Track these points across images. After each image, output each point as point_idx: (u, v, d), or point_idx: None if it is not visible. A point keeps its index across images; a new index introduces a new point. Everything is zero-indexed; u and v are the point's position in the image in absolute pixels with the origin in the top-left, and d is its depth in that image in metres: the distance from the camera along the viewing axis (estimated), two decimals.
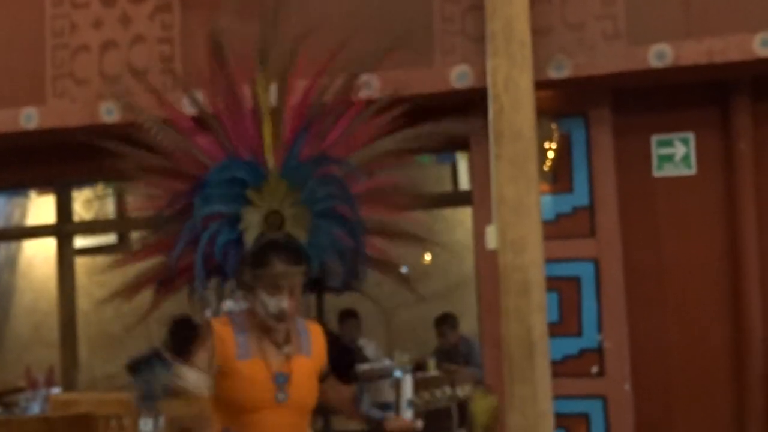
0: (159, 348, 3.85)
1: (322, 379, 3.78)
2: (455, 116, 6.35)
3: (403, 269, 4.09)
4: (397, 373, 8.08)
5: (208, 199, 3.89)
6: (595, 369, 6.25)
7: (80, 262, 9.05)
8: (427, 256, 9.93)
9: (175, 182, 4.04)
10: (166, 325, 3.94)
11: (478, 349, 7.55)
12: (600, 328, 6.26)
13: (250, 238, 3.82)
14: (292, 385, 3.62)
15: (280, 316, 3.55)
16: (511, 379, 5.63)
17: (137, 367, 3.99)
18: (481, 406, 4.21)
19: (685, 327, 6.24)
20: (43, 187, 8.24)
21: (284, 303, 3.57)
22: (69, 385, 7.95)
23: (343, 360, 4.02)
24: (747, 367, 6.11)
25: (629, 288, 6.31)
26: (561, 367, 6.05)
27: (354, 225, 4.01)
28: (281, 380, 3.60)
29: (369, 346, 8.85)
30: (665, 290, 6.30)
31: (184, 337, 3.75)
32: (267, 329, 3.62)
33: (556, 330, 6.02)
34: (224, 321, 3.69)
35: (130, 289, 4.17)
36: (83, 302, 9.15)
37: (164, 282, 4.01)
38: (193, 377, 3.43)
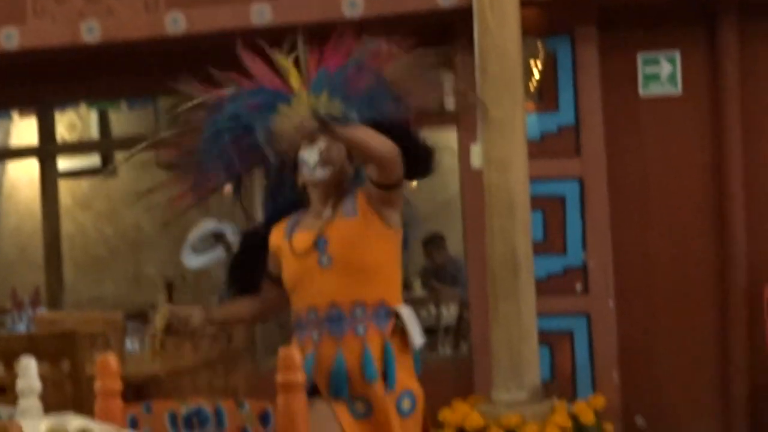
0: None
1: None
2: (441, 36, 6.37)
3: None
4: None
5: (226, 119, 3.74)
6: (579, 287, 6.30)
7: (64, 185, 9.08)
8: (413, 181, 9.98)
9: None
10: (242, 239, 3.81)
11: (463, 266, 7.59)
12: (584, 247, 6.30)
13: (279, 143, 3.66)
14: (333, 246, 3.54)
15: (319, 164, 3.54)
16: (496, 296, 5.69)
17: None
18: None
19: (669, 244, 6.30)
20: (25, 108, 8.20)
21: (317, 150, 3.53)
22: (55, 306, 7.96)
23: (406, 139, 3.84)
24: (730, 282, 6.18)
25: (614, 207, 6.34)
26: (545, 285, 6.08)
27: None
28: (321, 244, 3.54)
29: None
30: (650, 209, 6.34)
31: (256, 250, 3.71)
32: (317, 200, 3.61)
33: (540, 248, 6.06)
34: (280, 225, 3.67)
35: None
36: (68, 225, 9.20)
37: (197, 185, 3.85)
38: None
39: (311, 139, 3.53)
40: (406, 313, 3.55)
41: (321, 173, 3.53)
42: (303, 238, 3.55)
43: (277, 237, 3.62)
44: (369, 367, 3.43)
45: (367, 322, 3.49)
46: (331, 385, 3.42)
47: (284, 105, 3.75)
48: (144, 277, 10.08)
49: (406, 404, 3.46)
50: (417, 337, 3.50)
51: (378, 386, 3.43)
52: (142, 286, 9.99)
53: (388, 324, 3.51)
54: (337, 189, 3.59)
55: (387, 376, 3.43)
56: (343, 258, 3.51)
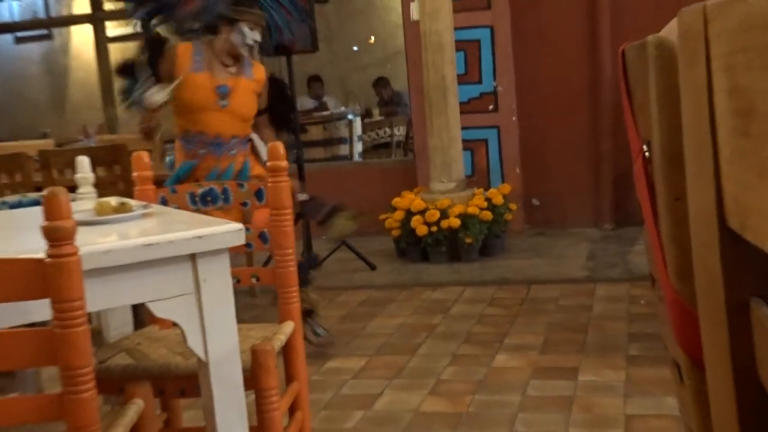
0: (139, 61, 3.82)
1: (259, 110, 3.91)
2: None
3: None
4: (350, 116, 8.15)
5: None
6: (491, 107, 6.28)
7: (113, 47, 8.86)
8: (372, 37, 9.80)
9: None
10: (145, 42, 3.90)
11: (407, 98, 7.57)
12: (495, 77, 6.25)
13: None
14: (233, 96, 3.76)
15: (253, 46, 3.74)
16: (431, 114, 5.67)
17: (124, 71, 3.94)
18: (341, 225, 4.33)
19: (555, 73, 6.23)
20: None
21: (257, 36, 3.76)
22: (111, 134, 7.97)
23: (281, 104, 4.09)
24: (599, 99, 6.15)
25: (515, 47, 6.25)
26: (467, 107, 6.06)
27: None
28: (223, 90, 3.74)
29: (330, 101, 8.91)
30: (542, 48, 6.24)
31: (158, 53, 3.76)
32: (226, 54, 3.76)
33: (462, 79, 6.01)
34: (187, 45, 3.77)
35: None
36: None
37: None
38: (156, 93, 3.60)
39: (256, 24, 3.77)
40: (255, 138, 3.94)
41: (246, 49, 3.77)
42: (207, 78, 3.73)
43: (184, 60, 3.72)
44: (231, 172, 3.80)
45: (237, 148, 3.85)
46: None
47: None
48: None
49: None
50: (263, 153, 3.78)
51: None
52: None
53: (248, 147, 3.93)
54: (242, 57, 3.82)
55: (242, 178, 3.75)
56: (239, 107, 3.80)
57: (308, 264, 4.18)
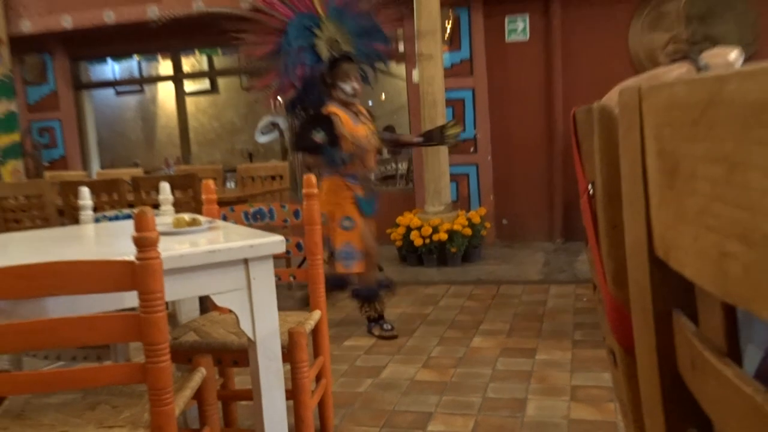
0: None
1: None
2: (395, 6, 6.13)
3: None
4: None
5: (291, 40, 3.65)
6: (472, 149, 6.25)
7: (189, 99, 8.88)
8: (383, 95, 9.81)
9: (268, 36, 3.71)
10: (305, 120, 3.70)
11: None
12: (475, 126, 6.23)
13: (323, 54, 3.64)
14: (372, 135, 3.63)
15: (354, 93, 3.53)
16: (426, 154, 5.65)
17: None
18: (453, 134, 4.16)
19: (520, 125, 6.22)
20: (165, 52, 7.92)
21: (354, 84, 3.55)
22: (186, 164, 7.96)
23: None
24: (553, 145, 6.12)
25: (491, 104, 6.23)
26: (453, 149, 6.06)
27: (377, 36, 3.84)
28: (371, 134, 3.61)
29: None
30: (510, 105, 6.23)
31: (316, 120, 3.57)
32: (348, 106, 3.57)
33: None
34: (336, 106, 3.58)
35: (257, 83, 3.88)
36: (192, 122, 9.02)
37: (278, 87, 3.75)
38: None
39: (348, 76, 3.56)
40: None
41: (356, 98, 3.58)
42: (364, 128, 3.59)
43: (348, 120, 3.55)
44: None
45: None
46: (365, 211, 3.69)
47: (316, 28, 3.67)
48: (236, 149, 9.96)
49: (346, 223, 3.67)
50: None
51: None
52: (234, 155, 9.88)
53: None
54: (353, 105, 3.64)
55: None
56: (375, 141, 3.67)
57: (382, 285, 3.92)
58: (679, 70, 1.17)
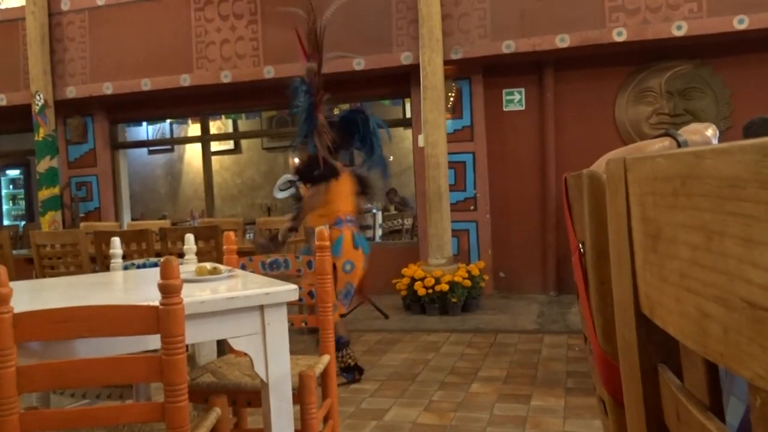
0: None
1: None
2: (402, 78, 6.27)
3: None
4: (374, 211, 8.18)
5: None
6: (472, 207, 6.27)
7: (215, 158, 9.00)
8: (391, 157, 9.93)
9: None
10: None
11: (413, 201, 7.59)
12: (475, 187, 6.27)
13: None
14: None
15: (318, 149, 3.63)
16: (430, 211, 5.68)
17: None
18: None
19: (516, 186, 6.26)
20: (194, 117, 8.06)
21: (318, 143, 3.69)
22: (210, 217, 7.98)
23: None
24: (547, 205, 6.14)
25: (490, 167, 6.28)
26: (455, 207, 6.07)
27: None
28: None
29: (361, 200, 8.88)
30: (507, 168, 6.29)
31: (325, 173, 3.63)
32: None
33: (452, 188, 6.04)
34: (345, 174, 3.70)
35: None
36: (217, 178, 9.13)
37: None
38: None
39: (320, 134, 3.69)
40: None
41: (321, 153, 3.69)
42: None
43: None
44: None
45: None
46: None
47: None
48: (255, 204, 10.03)
49: (347, 267, 3.66)
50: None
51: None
52: (254, 209, 9.94)
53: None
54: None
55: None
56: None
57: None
58: (662, 143, 1.19)
